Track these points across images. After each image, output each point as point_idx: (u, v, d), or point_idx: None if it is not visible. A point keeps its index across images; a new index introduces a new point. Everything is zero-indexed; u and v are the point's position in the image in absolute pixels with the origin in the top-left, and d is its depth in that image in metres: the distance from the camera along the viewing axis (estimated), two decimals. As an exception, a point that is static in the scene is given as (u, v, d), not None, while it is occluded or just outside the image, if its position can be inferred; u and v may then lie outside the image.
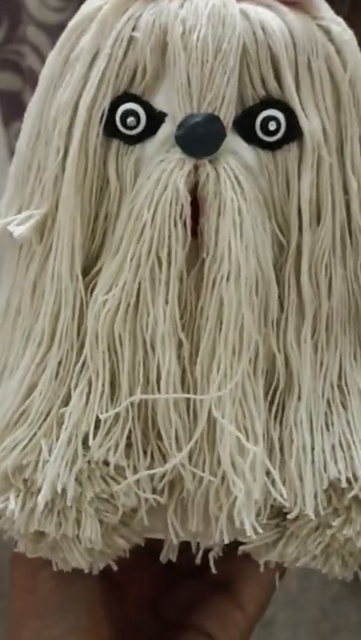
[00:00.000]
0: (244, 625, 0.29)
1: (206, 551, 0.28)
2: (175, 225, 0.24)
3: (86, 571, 0.26)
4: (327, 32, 0.26)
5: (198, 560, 0.27)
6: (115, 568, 0.27)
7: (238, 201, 0.24)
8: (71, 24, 0.27)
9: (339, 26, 0.27)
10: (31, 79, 0.75)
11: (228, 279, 0.24)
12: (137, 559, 0.28)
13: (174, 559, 0.27)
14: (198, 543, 0.27)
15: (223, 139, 0.24)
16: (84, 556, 0.25)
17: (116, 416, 0.24)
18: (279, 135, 0.25)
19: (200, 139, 0.24)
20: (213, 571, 0.27)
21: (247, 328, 0.24)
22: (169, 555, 0.27)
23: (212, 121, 0.24)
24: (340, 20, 0.27)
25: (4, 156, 0.81)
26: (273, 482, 0.24)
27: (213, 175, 0.24)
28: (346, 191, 0.26)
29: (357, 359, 0.27)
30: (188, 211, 0.24)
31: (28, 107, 0.28)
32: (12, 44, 0.76)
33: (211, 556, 0.27)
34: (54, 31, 0.72)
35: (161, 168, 0.24)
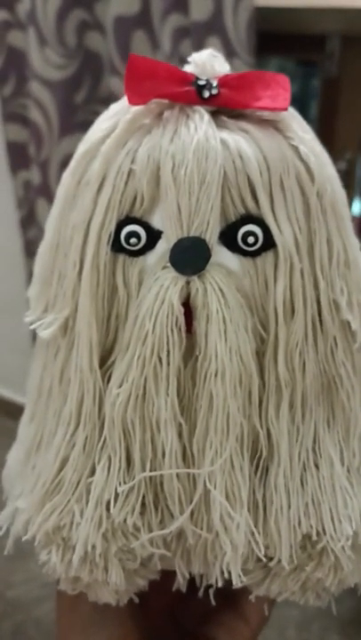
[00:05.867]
0: (249, 636, 0.36)
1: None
2: (172, 332, 0.29)
3: (113, 604, 0.33)
4: (296, 151, 0.31)
5: (201, 591, 0.33)
6: (136, 601, 0.33)
7: (222, 310, 0.29)
8: (81, 150, 0.32)
9: (307, 143, 0.31)
10: (34, 133, 0.76)
11: (215, 376, 0.29)
12: (159, 576, 0.34)
13: (184, 590, 0.33)
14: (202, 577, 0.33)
15: (208, 260, 0.29)
16: (112, 594, 0.32)
17: (132, 487, 0.30)
18: (258, 246, 0.30)
19: (189, 263, 0.29)
20: (213, 603, 0.33)
21: (232, 415, 0.29)
22: (180, 586, 0.34)
23: (199, 246, 0.29)
24: (308, 136, 0.32)
25: (10, 204, 0.85)
26: (255, 539, 0.29)
27: (202, 289, 0.29)
28: (316, 287, 0.31)
29: (330, 423, 0.32)
30: (181, 320, 0.29)
31: (48, 220, 0.34)
32: (19, 98, 0.79)
33: (211, 591, 0.33)
34: (56, 87, 0.74)
35: (159, 284, 0.29)
